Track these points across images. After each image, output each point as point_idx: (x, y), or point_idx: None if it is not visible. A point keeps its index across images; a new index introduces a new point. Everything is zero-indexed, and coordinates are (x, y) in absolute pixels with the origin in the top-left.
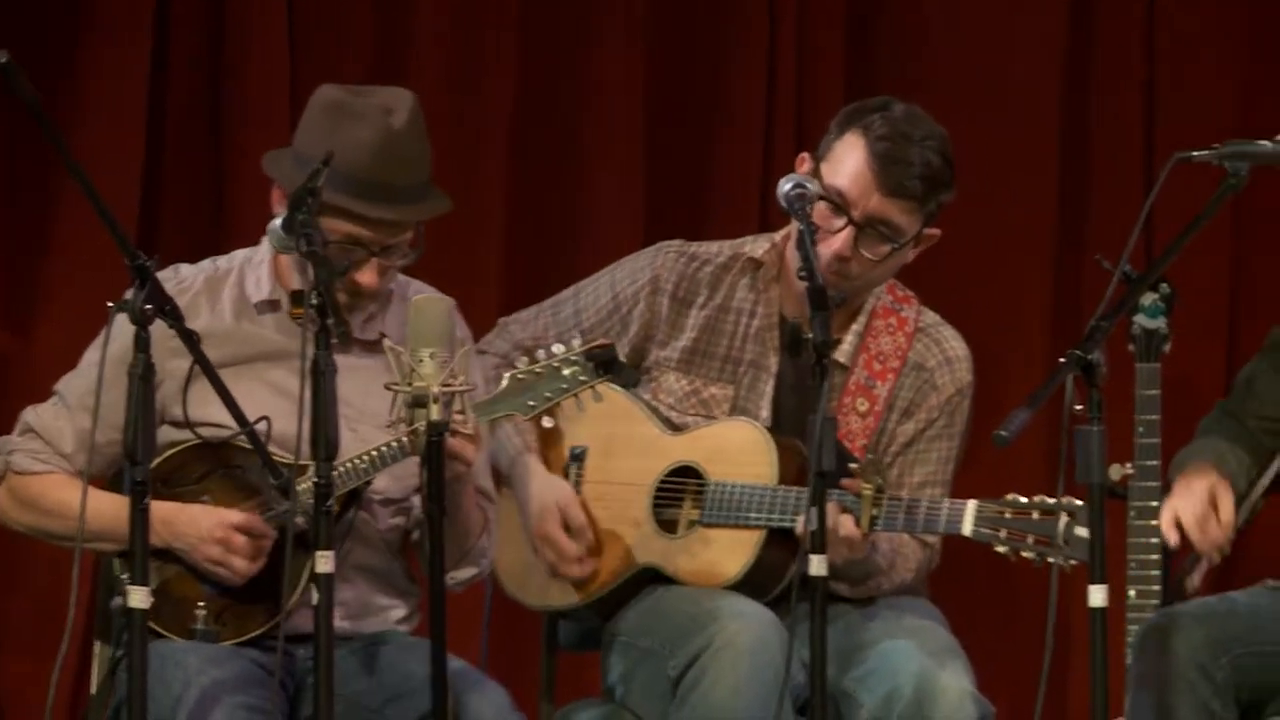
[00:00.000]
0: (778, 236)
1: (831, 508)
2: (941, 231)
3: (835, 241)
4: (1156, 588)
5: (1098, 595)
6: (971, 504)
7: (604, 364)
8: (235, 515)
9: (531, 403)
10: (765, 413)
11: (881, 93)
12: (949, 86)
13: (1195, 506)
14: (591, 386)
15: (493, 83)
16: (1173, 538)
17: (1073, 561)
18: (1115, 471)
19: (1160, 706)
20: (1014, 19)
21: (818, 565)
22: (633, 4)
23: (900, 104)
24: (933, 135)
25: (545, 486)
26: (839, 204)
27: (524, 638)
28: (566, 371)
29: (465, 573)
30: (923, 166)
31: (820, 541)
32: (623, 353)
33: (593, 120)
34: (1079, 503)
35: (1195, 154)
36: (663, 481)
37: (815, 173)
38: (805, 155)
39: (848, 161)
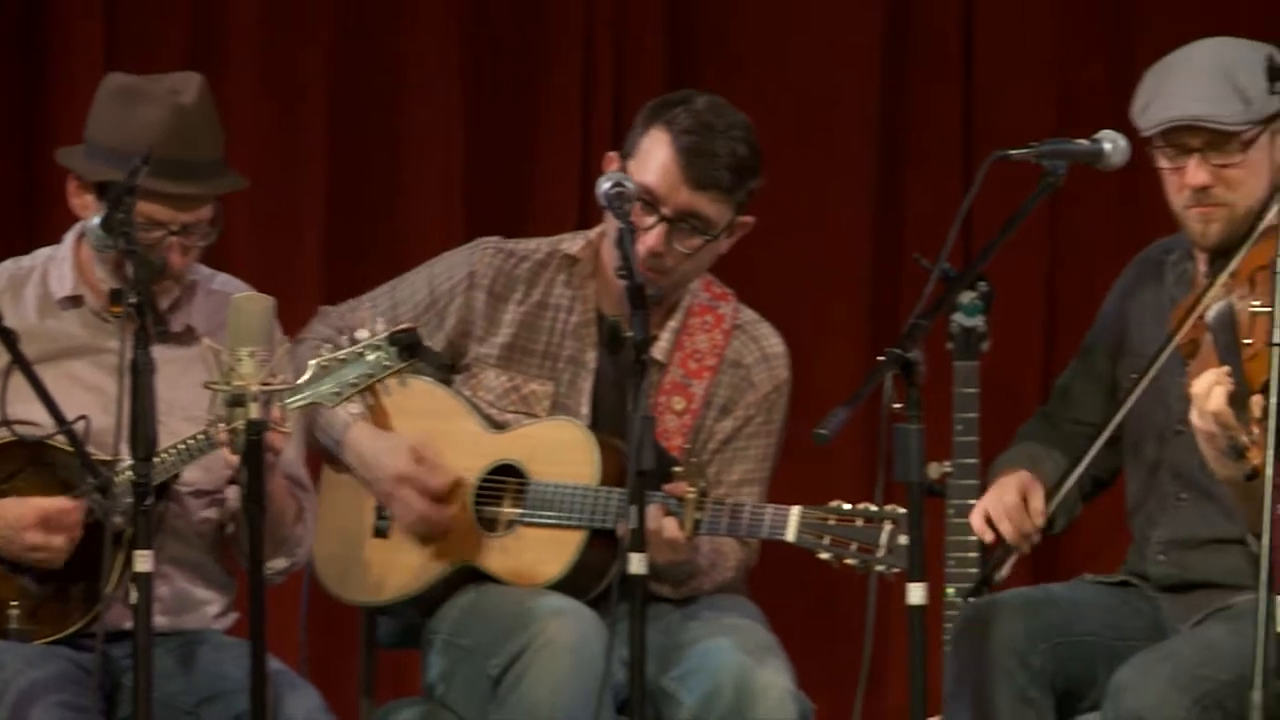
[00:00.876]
0: (593, 234)
1: (655, 510)
2: (754, 218)
3: (648, 238)
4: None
5: (916, 593)
6: (795, 510)
7: (408, 348)
8: (45, 502)
9: (336, 390)
10: (585, 409)
11: (701, 85)
12: (768, 85)
13: (1006, 498)
14: (396, 372)
15: (311, 82)
16: (986, 534)
17: (895, 570)
18: (934, 469)
19: (978, 694)
20: (833, 15)
21: (638, 564)
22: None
23: (703, 95)
24: (737, 124)
25: (386, 439)
26: (649, 200)
27: (343, 635)
28: (371, 357)
29: (280, 563)
30: (729, 157)
31: (640, 540)
32: (440, 346)
33: (412, 118)
34: (903, 510)
35: (1014, 152)
36: (484, 479)
37: (623, 170)
38: (613, 155)
39: (654, 157)
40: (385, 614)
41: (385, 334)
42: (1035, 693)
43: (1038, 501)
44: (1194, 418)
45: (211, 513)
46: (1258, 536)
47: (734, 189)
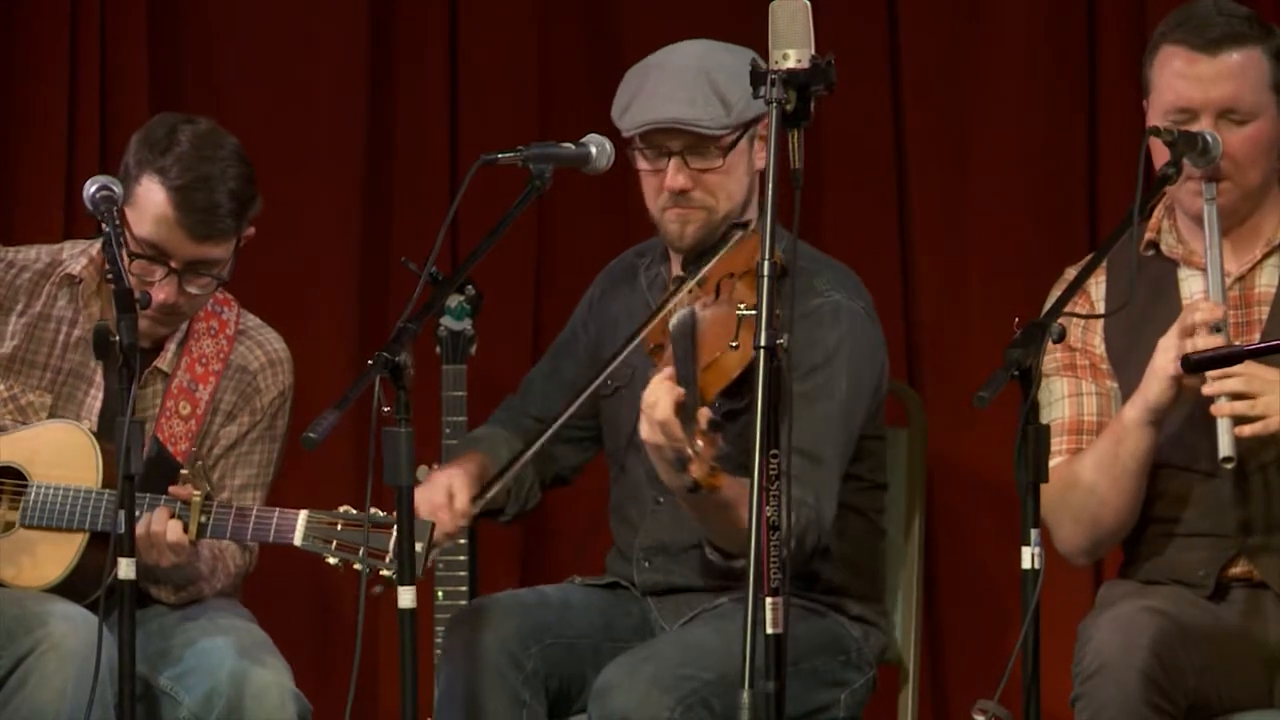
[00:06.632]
0: (94, 250)
1: (160, 513)
2: (254, 228)
3: (160, 292)
4: (464, 588)
5: (406, 597)
6: (303, 514)
7: None
8: None
9: None
10: (88, 421)
11: (186, 97)
12: (253, 89)
13: (432, 495)
14: None
15: None
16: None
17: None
18: (422, 473)
19: (470, 695)
20: (317, 19)
21: (126, 569)
22: None
23: (187, 130)
24: (229, 157)
25: None
26: (154, 256)
27: None
28: None
29: None
30: (230, 201)
31: (129, 545)
32: None
33: None
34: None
35: (500, 155)
36: None
37: (122, 216)
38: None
39: (152, 211)
40: None
41: None
42: (528, 694)
43: (462, 502)
44: (642, 428)
45: None
46: (714, 547)
47: (239, 225)
